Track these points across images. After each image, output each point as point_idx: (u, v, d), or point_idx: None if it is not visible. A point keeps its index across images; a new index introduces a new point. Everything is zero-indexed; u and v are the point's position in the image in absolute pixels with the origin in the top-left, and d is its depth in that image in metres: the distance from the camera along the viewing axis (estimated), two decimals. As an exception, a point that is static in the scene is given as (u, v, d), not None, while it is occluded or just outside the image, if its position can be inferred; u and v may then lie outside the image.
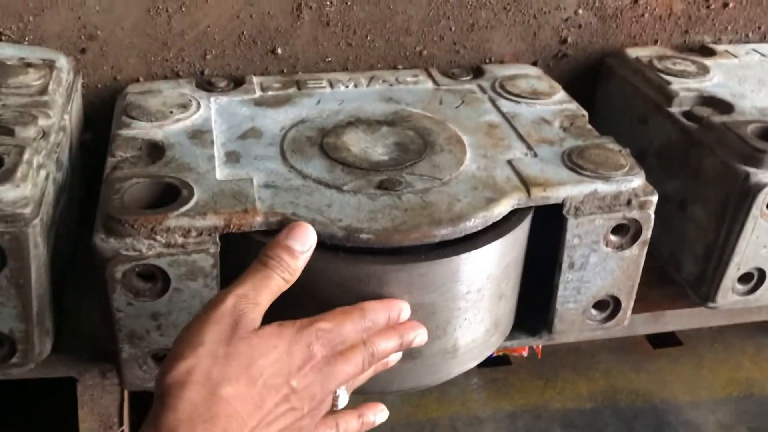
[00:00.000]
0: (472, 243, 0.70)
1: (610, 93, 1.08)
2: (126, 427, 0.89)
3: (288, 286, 0.61)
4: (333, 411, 0.64)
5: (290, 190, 0.73)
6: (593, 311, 0.83)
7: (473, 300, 0.73)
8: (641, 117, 0.99)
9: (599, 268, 0.79)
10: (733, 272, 0.87)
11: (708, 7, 1.11)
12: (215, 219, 0.68)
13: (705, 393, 1.27)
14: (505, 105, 0.93)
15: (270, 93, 0.94)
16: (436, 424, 1.19)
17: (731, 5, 1.12)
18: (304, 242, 0.62)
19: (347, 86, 0.97)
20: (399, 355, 0.69)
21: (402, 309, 0.67)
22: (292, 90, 0.95)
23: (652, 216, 0.77)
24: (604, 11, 1.08)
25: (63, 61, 0.90)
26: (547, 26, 1.08)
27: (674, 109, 0.93)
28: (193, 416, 0.51)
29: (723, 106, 0.92)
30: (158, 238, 0.67)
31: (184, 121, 0.85)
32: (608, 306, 0.83)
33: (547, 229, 0.77)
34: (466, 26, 1.06)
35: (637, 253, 0.79)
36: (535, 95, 0.95)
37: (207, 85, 0.94)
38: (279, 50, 1.02)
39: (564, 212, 0.75)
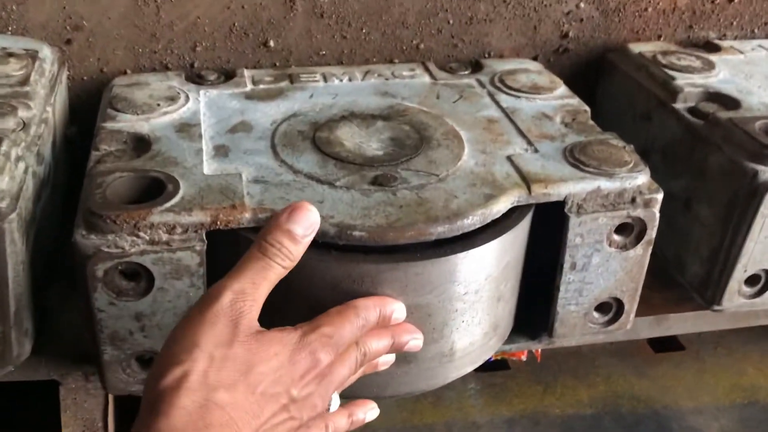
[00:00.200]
0: (470, 242, 0.68)
1: (612, 89, 1.07)
2: (110, 432, 0.87)
3: (286, 273, 0.58)
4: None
5: (280, 186, 0.71)
6: (595, 314, 0.82)
7: (471, 301, 0.71)
8: (644, 113, 0.98)
9: (602, 269, 0.77)
10: (739, 274, 0.85)
11: (713, 2, 1.11)
12: (201, 215, 0.66)
13: (708, 399, 1.27)
14: (505, 100, 0.91)
15: (261, 86, 0.93)
16: (432, 429, 1.19)
17: (737, 0, 1.10)
18: (306, 225, 0.58)
19: (341, 80, 0.95)
20: (391, 358, 0.67)
21: (395, 307, 0.65)
22: (284, 83, 0.93)
23: (657, 214, 0.76)
24: (607, 5, 1.08)
25: (47, 52, 0.89)
26: (548, 20, 1.07)
27: (679, 105, 0.92)
28: (186, 425, 0.49)
29: (729, 102, 0.91)
30: (142, 234, 0.65)
31: (171, 114, 0.83)
32: (611, 309, 0.82)
33: (548, 228, 0.75)
34: (464, 19, 1.04)
35: (642, 253, 0.77)
36: (536, 90, 0.93)
37: (197, 78, 0.93)
38: (271, 43, 1.00)
39: (566, 210, 0.73)
